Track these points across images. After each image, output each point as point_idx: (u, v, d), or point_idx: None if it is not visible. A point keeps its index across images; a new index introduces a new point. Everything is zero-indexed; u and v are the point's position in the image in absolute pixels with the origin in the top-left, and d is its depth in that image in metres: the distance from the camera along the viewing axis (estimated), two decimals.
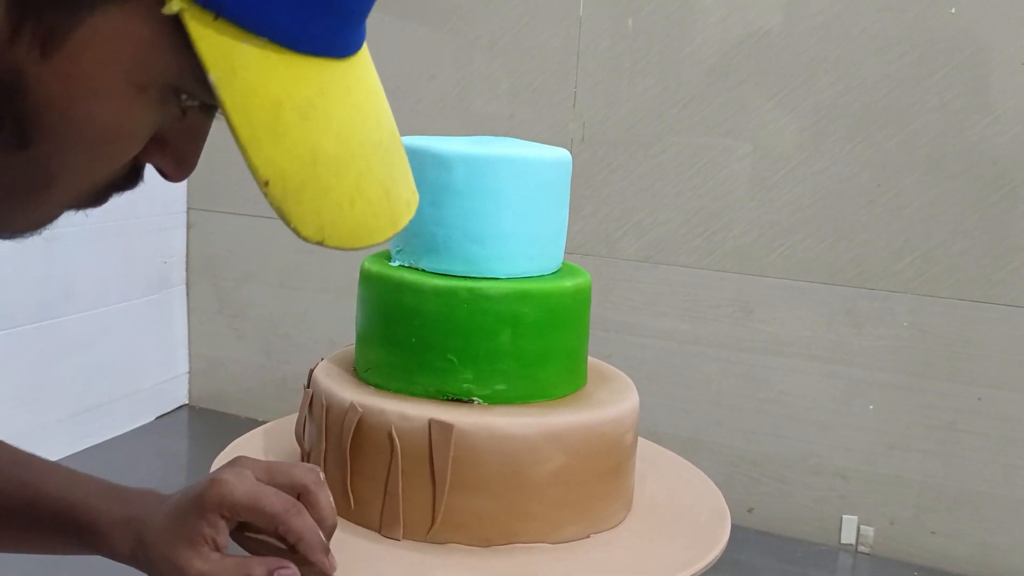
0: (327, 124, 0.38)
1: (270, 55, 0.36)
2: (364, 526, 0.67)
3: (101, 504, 0.57)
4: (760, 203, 1.32)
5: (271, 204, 0.37)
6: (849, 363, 1.30)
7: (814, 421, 1.32)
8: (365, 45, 0.42)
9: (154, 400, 1.64)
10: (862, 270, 1.28)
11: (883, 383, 1.28)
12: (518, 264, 0.71)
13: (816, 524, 1.33)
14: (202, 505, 0.54)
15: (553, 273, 0.74)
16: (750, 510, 1.35)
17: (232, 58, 0.35)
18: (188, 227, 1.67)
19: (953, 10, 1.20)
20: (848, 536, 1.31)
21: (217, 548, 0.54)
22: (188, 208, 1.66)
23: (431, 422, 0.64)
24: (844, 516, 1.32)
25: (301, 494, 0.55)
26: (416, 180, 0.70)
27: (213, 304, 1.68)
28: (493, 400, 0.68)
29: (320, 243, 0.38)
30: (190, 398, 1.71)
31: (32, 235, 0.41)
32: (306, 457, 0.74)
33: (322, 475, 0.57)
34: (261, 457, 0.77)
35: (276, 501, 0.54)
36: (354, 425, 0.66)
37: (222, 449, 0.79)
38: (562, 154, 0.73)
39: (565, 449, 0.66)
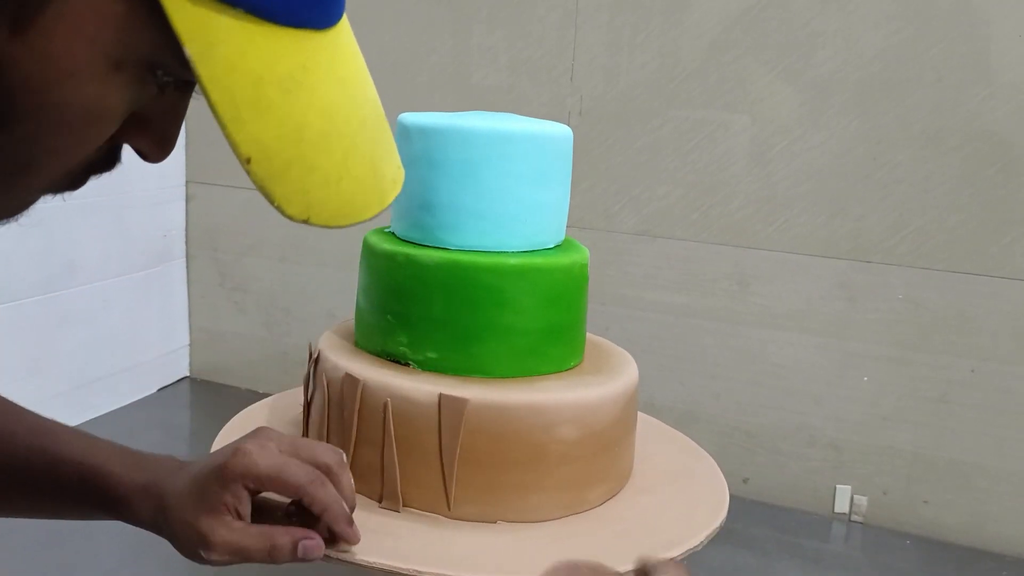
0: (311, 100, 0.37)
1: (249, 27, 0.35)
2: (365, 496, 0.68)
3: (121, 470, 0.57)
4: (757, 177, 1.32)
5: (254, 182, 0.36)
6: (844, 336, 1.31)
7: (809, 393, 1.34)
8: (345, 15, 0.40)
9: (156, 372, 1.65)
10: (858, 244, 1.29)
11: (877, 355, 1.30)
12: (521, 238, 0.72)
13: (810, 494, 1.35)
14: (225, 475, 0.54)
15: (553, 247, 0.75)
16: (745, 480, 1.37)
17: (209, 31, 0.34)
18: (188, 200, 1.67)
19: None
20: (842, 506, 1.33)
21: (239, 518, 0.55)
22: (187, 181, 1.66)
23: (441, 396, 0.65)
24: (838, 486, 1.34)
25: (324, 474, 0.56)
26: (419, 156, 0.71)
27: (213, 277, 1.69)
28: (484, 372, 0.69)
29: (306, 221, 0.37)
30: (191, 370, 1.72)
31: (8, 222, 0.40)
32: (311, 427, 0.74)
33: (346, 458, 0.58)
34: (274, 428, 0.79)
35: (300, 472, 0.55)
36: (358, 397, 0.67)
37: (223, 420, 0.80)
38: (563, 130, 0.73)
39: (563, 424, 0.66)
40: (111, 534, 1.12)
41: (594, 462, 0.68)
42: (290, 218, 0.37)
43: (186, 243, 1.69)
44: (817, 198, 1.30)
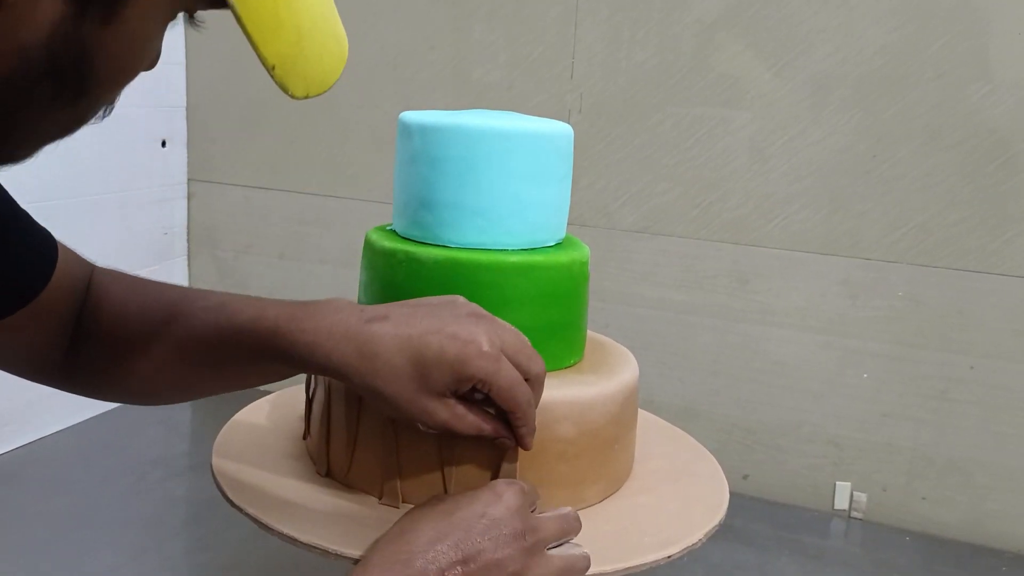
0: (300, 4, 0.44)
1: None
2: (365, 492, 0.68)
3: (294, 327, 0.58)
4: (757, 174, 1.32)
5: (277, 83, 0.43)
6: (844, 333, 1.31)
7: (808, 390, 1.34)
8: None
9: None
10: (858, 241, 1.29)
11: (877, 352, 1.30)
12: (521, 236, 0.72)
13: (810, 490, 1.35)
14: (462, 372, 0.57)
15: (554, 245, 0.75)
16: (745, 477, 1.38)
17: None
18: (188, 198, 1.67)
19: None
20: (841, 502, 1.34)
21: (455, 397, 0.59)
22: (188, 179, 1.66)
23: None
24: (837, 482, 1.34)
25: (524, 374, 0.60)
26: (419, 154, 0.71)
27: (214, 275, 1.69)
28: None
29: (305, 97, 0.45)
30: None
31: (8, 167, 0.44)
32: (312, 422, 0.75)
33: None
34: (267, 427, 0.79)
35: (524, 396, 0.60)
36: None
37: (224, 418, 0.81)
38: (564, 128, 0.74)
39: (561, 422, 0.66)
40: (111, 533, 1.13)
41: (593, 460, 0.68)
42: (296, 97, 0.44)
43: (187, 241, 1.69)
44: (817, 195, 1.30)
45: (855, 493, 1.33)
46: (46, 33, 0.37)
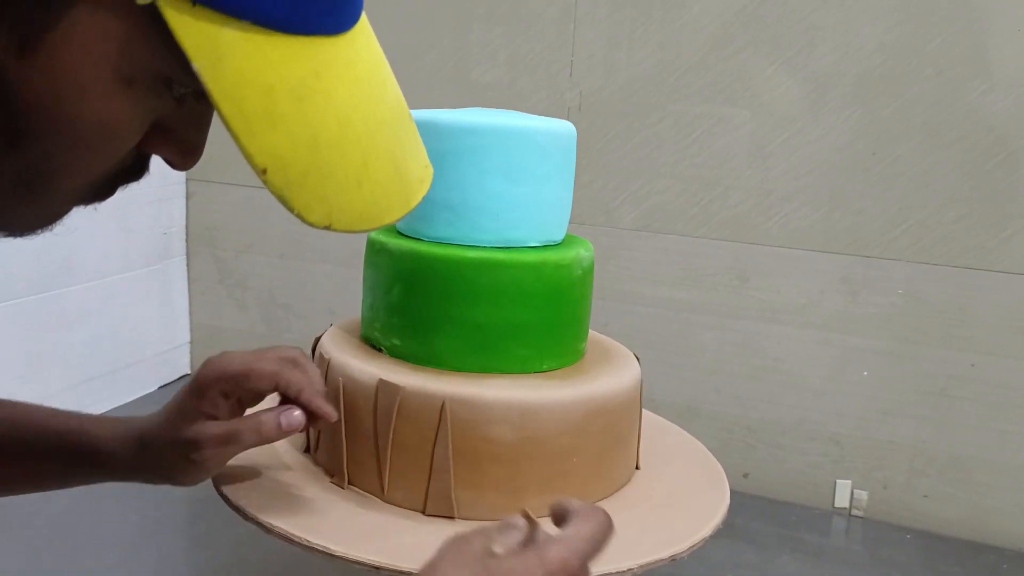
0: (326, 105, 0.36)
1: (256, 38, 0.34)
2: (364, 491, 0.68)
3: (97, 430, 0.60)
4: (757, 172, 1.32)
5: (272, 192, 0.35)
6: (844, 330, 1.31)
7: (809, 388, 1.34)
8: (364, 14, 0.39)
9: (156, 370, 1.65)
10: (857, 238, 1.29)
11: (877, 350, 1.30)
12: (538, 233, 0.72)
13: (810, 488, 1.35)
14: (199, 385, 0.56)
15: (555, 244, 0.75)
16: (745, 475, 1.37)
17: (216, 45, 0.33)
18: (188, 197, 1.67)
19: None
20: (842, 500, 1.33)
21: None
22: (187, 179, 1.66)
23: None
24: (838, 480, 1.34)
25: (292, 365, 0.59)
26: (444, 154, 0.71)
27: (213, 274, 1.69)
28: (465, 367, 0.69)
29: (327, 228, 0.37)
30: (192, 368, 1.72)
31: (42, 232, 0.41)
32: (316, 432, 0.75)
33: (306, 352, 0.61)
34: None
35: (269, 363, 0.58)
36: (397, 404, 0.67)
37: None
38: (567, 127, 0.74)
39: (564, 422, 0.66)
40: (111, 532, 1.12)
41: (592, 460, 0.68)
42: (311, 225, 0.36)
43: (186, 240, 1.69)
44: (817, 192, 1.30)
45: (856, 491, 1.33)
46: None
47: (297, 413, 0.58)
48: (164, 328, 1.67)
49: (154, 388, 1.63)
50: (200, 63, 0.33)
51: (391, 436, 0.64)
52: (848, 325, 1.31)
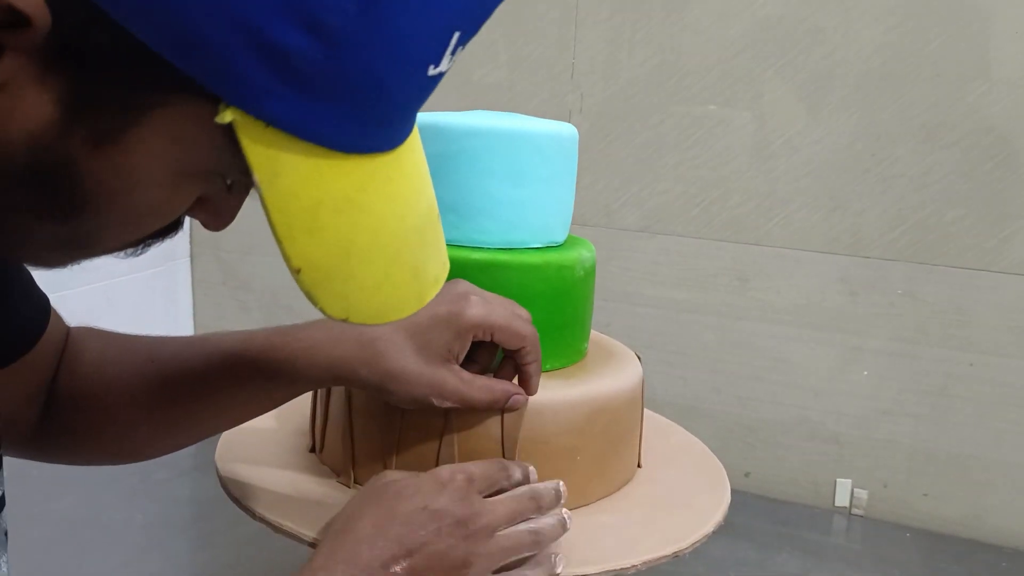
0: (362, 218, 0.39)
1: (316, 160, 0.36)
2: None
3: (287, 340, 0.59)
4: (757, 173, 1.33)
5: (301, 288, 0.38)
6: (844, 330, 1.32)
7: (809, 387, 1.35)
8: (415, 126, 0.42)
9: None
10: (857, 239, 1.29)
11: (877, 350, 1.30)
12: (540, 234, 0.72)
13: (811, 487, 1.36)
14: (461, 324, 0.58)
15: (557, 246, 0.75)
16: (746, 475, 1.38)
17: (277, 163, 0.35)
18: None
19: None
20: (842, 499, 1.34)
21: (459, 363, 0.60)
22: None
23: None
24: (838, 479, 1.34)
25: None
26: (447, 156, 0.72)
27: (217, 276, 1.70)
28: None
29: (344, 320, 0.40)
30: None
31: (68, 267, 0.43)
32: (318, 415, 0.75)
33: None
34: (273, 427, 0.80)
35: (526, 326, 0.61)
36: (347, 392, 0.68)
37: None
38: (569, 129, 0.74)
39: (567, 421, 0.67)
40: (116, 532, 1.13)
41: (593, 459, 0.69)
42: (330, 316, 0.40)
43: (190, 242, 1.70)
44: (817, 193, 1.30)
45: (856, 490, 1.34)
46: (29, 132, 0.34)
47: (523, 397, 0.63)
48: (168, 329, 1.67)
49: None
50: (260, 176, 0.35)
51: (397, 436, 0.65)
52: (848, 325, 1.31)
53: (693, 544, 0.65)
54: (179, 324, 1.70)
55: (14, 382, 0.59)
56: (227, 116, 0.34)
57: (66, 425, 0.63)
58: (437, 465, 0.65)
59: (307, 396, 0.79)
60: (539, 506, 0.58)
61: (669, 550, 0.63)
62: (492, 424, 0.64)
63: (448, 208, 0.70)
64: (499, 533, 0.55)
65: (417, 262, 0.43)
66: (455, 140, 0.70)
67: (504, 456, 0.65)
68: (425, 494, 0.55)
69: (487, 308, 0.59)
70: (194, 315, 1.72)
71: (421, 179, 0.43)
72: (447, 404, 0.60)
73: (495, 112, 0.76)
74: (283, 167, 0.36)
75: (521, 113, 0.78)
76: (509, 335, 0.60)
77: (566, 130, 0.73)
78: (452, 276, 0.69)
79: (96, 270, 1.60)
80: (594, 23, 1.38)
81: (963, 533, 1.28)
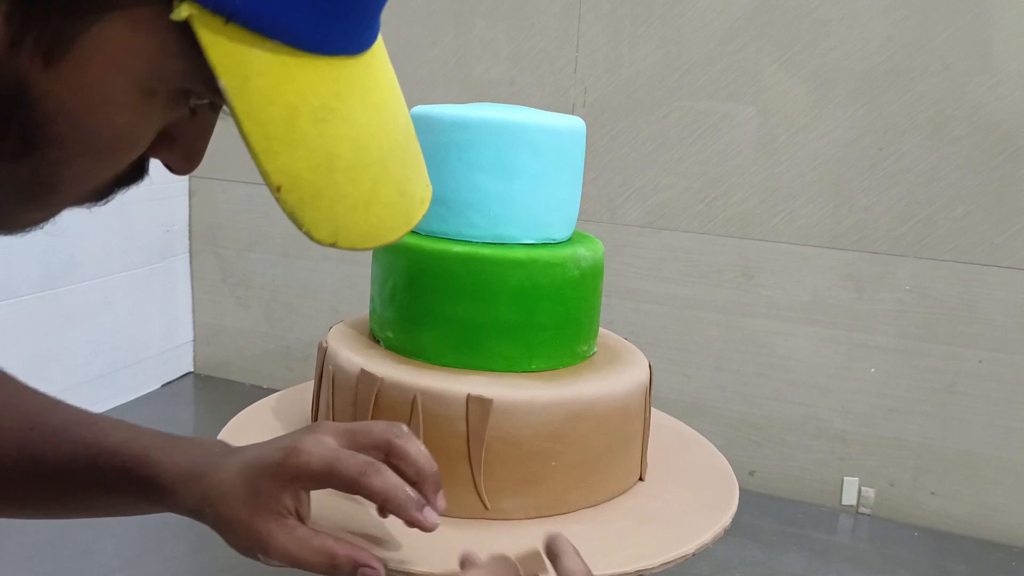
0: (345, 128, 0.37)
1: (284, 58, 0.34)
2: None
3: (163, 456, 0.55)
4: (762, 168, 1.31)
5: (283, 209, 0.35)
6: (850, 327, 1.30)
7: (815, 385, 1.33)
8: (380, 36, 0.40)
9: (159, 368, 1.64)
10: (864, 234, 1.28)
11: (884, 346, 1.29)
12: (533, 230, 0.71)
13: (817, 486, 1.35)
14: (281, 476, 0.52)
15: (554, 243, 0.74)
16: (752, 473, 1.37)
17: (244, 64, 0.33)
18: (190, 195, 1.67)
19: None
20: (849, 498, 1.33)
21: (299, 518, 0.52)
22: (190, 176, 1.66)
23: (361, 372, 0.65)
24: (845, 478, 1.33)
25: (387, 452, 0.53)
26: (437, 147, 0.70)
27: (216, 272, 1.68)
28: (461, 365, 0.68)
29: (333, 245, 0.37)
30: (195, 366, 1.72)
31: (33, 231, 0.40)
32: (320, 412, 0.74)
33: (405, 428, 0.55)
34: (272, 423, 0.79)
35: (352, 464, 0.51)
36: (374, 394, 0.67)
37: (227, 415, 0.80)
38: (571, 123, 0.72)
39: (540, 424, 0.65)
40: (115, 533, 1.12)
41: (599, 458, 0.68)
42: (317, 242, 0.37)
43: (189, 239, 1.68)
44: (823, 188, 1.29)
45: (863, 488, 1.32)
46: None
47: (376, 571, 0.52)
48: (167, 326, 1.66)
49: (157, 386, 1.63)
50: (227, 81, 0.33)
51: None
52: (855, 322, 1.30)
53: (664, 564, 0.63)
54: (178, 321, 1.69)
55: None
56: (183, 11, 0.31)
57: None
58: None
59: (307, 395, 0.78)
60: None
61: (632, 567, 0.61)
62: (458, 421, 0.63)
63: (437, 200, 0.69)
64: None
65: (404, 179, 0.40)
66: (444, 132, 0.68)
67: (470, 455, 0.63)
68: None
69: (304, 459, 0.51)
70: (193, 312, 1.71)
71: (396, 92, 0.41)
72: (273, 562, 0.52)
73: (499, 105, 0.75)
74: (251, 69, 0.33)
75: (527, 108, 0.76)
76: (334, 482, 0.51)
77: (565, 124, 0.71)
78: (435, 271, 0.68)
79: (92, 267, 1.58)
80: (596, 18, 1.36)
81: (971, 532, 1.27)
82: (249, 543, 0.53)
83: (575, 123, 0.71)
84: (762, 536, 1.22)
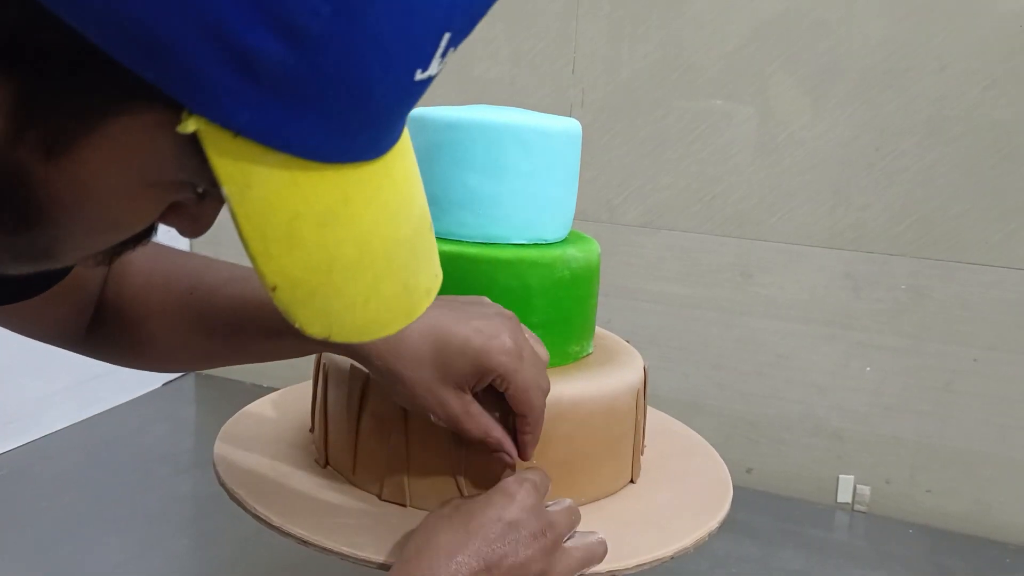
0: (348, 231, 0.35)
1: (292, 170, 0.33)
2: (366, 490, 0.68)
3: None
4: (760, 168, 1.32)
5: (278, 307, 0.35)
6: (847, 326, 1.31)
7: (812, 383, 1.34)
8: (406, 130, 0.39)
9: None
10: (861, 234, 1.29)
11: (881, 345, 1.30)
12: (524, 231, 0.71)
13: (813, 484, 1.35)
14: (483, 365, 0.57)
15: (547, 243, 0.74)
16: (748, 471, 1.38)
17: (249, 175, 0.32)
18: None
19: None
20: (845, 495, 1.34)
21: (473, 395, 0.59)
22: None
23: (351, 367, 0.65)
24: (841, 476, 1.34)
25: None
26: (429, 147, 0.70)
27: None
28: None
29: (326, 340, 0.37)
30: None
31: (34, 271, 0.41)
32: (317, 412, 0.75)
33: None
34: (272, 421, 0.79)
35: (539, 401, 0.60)
36: (360, 386, 0.67)
37: (228, 414, 0.81)
38: (565, 124, 0.73)
39: (572, 418, 0.66)
40: (117, 529, 1.13)
41: (595, 456, 0.68)
42: (309, 335, 0.36)
43: (189, 240, 1.69)
44: (820, 188, 1.30)
45: (858, 486, 1.33)
46: None
47: (510, 462, 0.61)
48: None
49: (159, 385, 1.64)
50: (230, 189, 0.33)
51: (358, 423, 0.65)
52: (851, 320, 1.31)
53: (694, 543, 0.64)
54: None
55: (64, 296, 0.61)
56: (190, 126, 0.31)
57: (111, 339, 0.66)
58: (452, 467, 0.64)
59: (306, 394, 0.78)
60: (579, 520, 0.61)
61: (670, 550, 0.62)
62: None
63: (429, 200, 0.69)
64: (567, 544, 0.58)
65: (408, 275, 0.39)
66: (436, 132, 0.69)
67: (454, 450, 0.64)
68: (497, 506, 0.55)
69: (516, 364, 0.58)
70: None
71: (413, 186, 0.40)
72: (441, 422, 0.59)
73: (493, 106, 0.75)
74: (255, 179, 0.32)
75: (525, 108, 0.77)
76: (521, 399, 0.59)
77: (558, 124, 0.71)
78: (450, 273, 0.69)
79: None
80: (595, 17, 1.37)
81: (967, 529, 1.28)
82: (426, 403, 0.58)
83: (569, 124, 0.72)
84: (758, 533, 1.23)
